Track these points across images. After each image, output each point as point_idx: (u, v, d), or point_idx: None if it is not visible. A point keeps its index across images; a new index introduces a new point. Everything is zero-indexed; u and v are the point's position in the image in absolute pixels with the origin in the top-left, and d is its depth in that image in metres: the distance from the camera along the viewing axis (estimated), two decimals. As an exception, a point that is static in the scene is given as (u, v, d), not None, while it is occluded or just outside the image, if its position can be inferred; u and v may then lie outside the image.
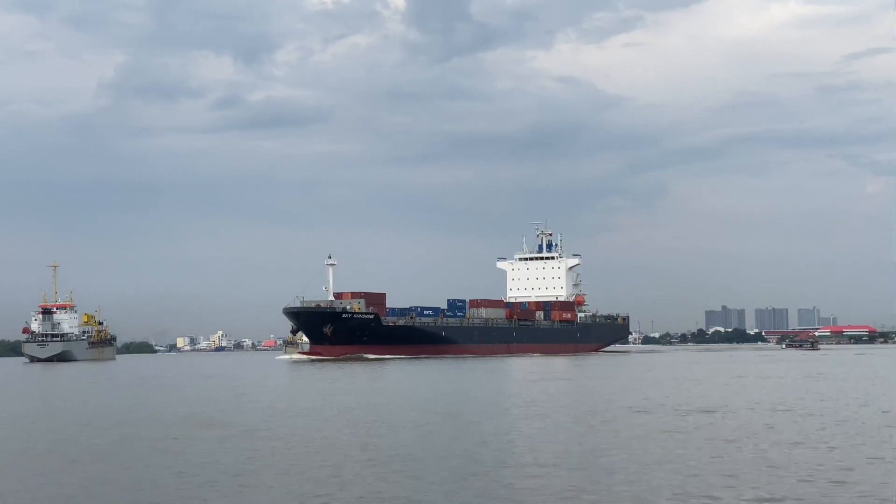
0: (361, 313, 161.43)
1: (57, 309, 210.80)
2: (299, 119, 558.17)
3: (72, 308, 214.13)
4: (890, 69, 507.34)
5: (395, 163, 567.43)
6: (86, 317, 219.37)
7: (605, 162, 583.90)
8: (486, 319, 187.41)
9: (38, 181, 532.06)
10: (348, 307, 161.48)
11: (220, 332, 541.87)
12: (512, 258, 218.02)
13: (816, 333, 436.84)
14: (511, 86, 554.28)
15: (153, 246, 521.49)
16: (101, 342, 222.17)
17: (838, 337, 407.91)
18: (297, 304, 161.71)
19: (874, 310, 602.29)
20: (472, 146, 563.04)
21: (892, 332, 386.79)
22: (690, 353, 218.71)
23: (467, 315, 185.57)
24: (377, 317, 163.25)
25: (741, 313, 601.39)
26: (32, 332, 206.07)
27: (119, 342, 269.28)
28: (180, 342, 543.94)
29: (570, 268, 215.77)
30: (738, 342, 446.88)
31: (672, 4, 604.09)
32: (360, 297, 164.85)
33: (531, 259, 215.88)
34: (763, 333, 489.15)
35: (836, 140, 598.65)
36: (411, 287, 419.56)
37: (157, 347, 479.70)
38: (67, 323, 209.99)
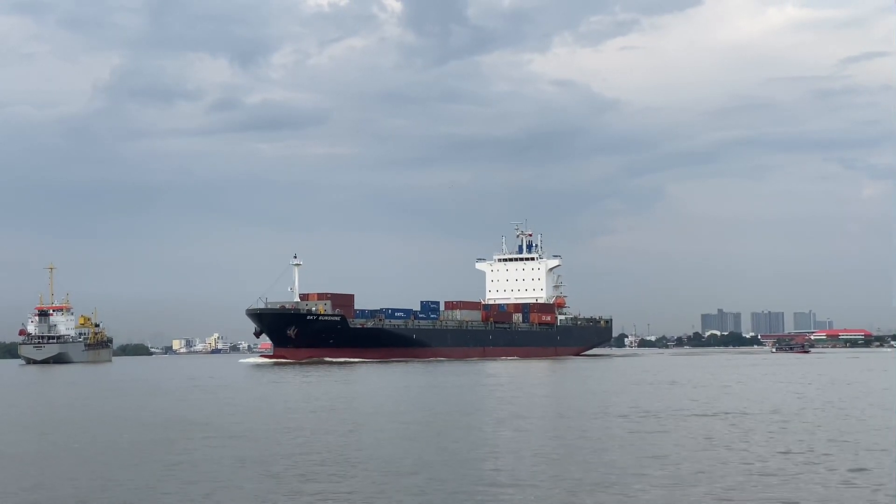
0: (327, 315, 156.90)
1: (53, 311, 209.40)
2: (296, 122, 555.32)
3: (68, 310, 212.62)
4: (886, 73, 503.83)
5: (392, 166, 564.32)
6: (82, 319, 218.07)
7: (601, 165, 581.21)
8: (461, 322, 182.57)
9: (34, 183, 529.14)
10: (313, 309, 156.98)
11: (216, 335, 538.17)
12: (491, 259, 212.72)
13: (812, 337, 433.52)
14: (507, 89, 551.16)
15: (150, 248, 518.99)
16: (98, 344, 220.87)
17: (834, 340, 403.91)
18: (262, 306, 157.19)
19: (870, 313, 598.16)
20: (468, 149, 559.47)
21: (888, 336, 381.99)
22: (669, 357, 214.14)
23: (441, 317, 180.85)
24: (344, 319, 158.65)
25: (737, 317, 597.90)
26: (29, 334, 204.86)
27: (115, 344, 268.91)
28: (176, 345, 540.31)
29: (551, 269, 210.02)
30: (733, 346, 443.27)
31: (668, 8, 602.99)
32: (327, 298, 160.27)
33: (510, 260, 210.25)
34: (759, 337, 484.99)
35: (832, 144, 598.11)
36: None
37: (152, 350, 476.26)
38: (64, 325, 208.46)
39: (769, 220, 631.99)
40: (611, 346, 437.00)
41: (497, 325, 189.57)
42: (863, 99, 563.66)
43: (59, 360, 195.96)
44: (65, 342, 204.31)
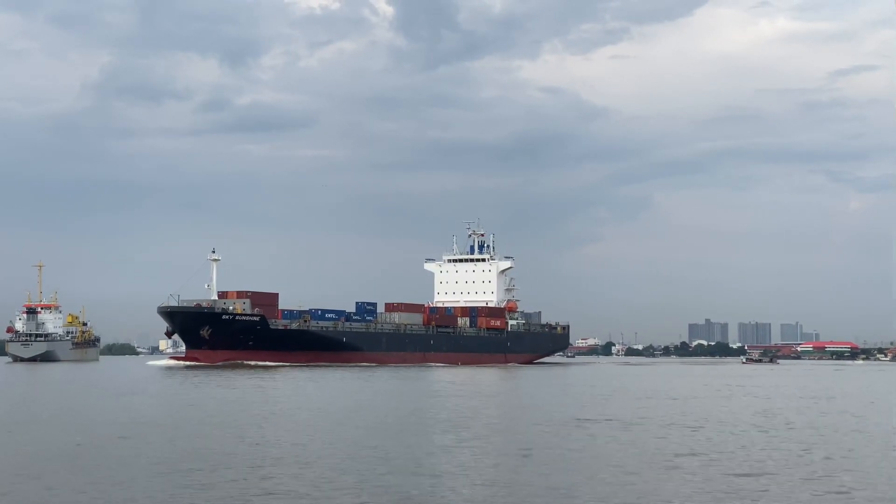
0: (245, 315, 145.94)
1: (41, 309, 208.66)
2: (285, 123, 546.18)
3: (56, 308, 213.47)
4: (874, 86, 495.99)
5: (380, 169, 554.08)
6: (70, 317, 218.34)
7: (590, 173, 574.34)
8: (399, 325, 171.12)
9: (21, 180, 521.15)
10: (230, 308, 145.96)
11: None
12: (441, 259, 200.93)
13: (799, 349, 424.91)
14: (497, 94, 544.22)
15: (137, 247, 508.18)
16: (85, 343, 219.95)
17: (820, 353, 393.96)
18: (174, 303, 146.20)
19: (857, 326, 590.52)
20: (456, 154, 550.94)
21: (874, 349, 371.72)
22: (620, 366, 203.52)
23: (377, 319, 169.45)
24: (264, 319, 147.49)
25: (724, 327, 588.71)
26: (16, 332, 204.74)
27: (102, 343, 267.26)
28: (163, 345, 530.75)
29: (502, 271, 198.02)
30: (720, 356, 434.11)
31: (659, 17, 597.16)
32: (246, 296, 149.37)
33: (460, 261, 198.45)
34: (746, 347, 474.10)
35: (819, 156, 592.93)
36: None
37: (139, 349, 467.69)
38: (52, 323, 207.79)
39: (756, 230, 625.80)
40: (598, 354, 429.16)
41: (440, 330, 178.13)
42: (850, 112, 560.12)
43: (46, 358, 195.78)
44: (52, 340, 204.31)
